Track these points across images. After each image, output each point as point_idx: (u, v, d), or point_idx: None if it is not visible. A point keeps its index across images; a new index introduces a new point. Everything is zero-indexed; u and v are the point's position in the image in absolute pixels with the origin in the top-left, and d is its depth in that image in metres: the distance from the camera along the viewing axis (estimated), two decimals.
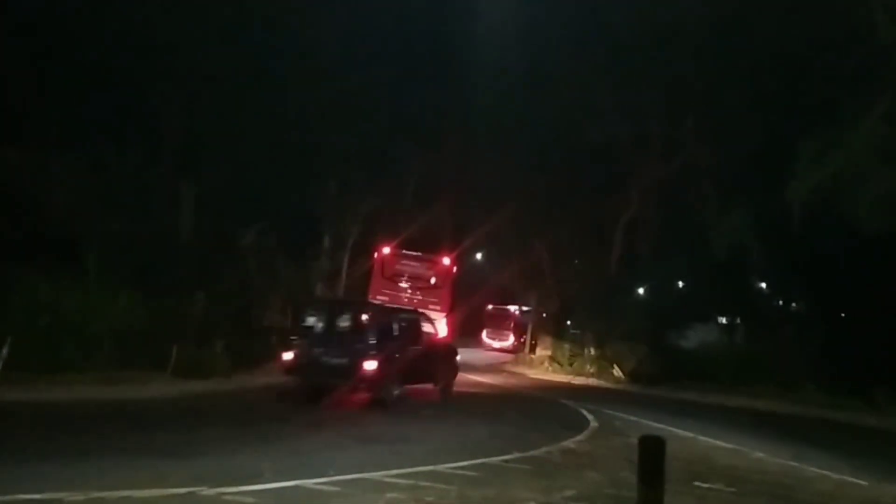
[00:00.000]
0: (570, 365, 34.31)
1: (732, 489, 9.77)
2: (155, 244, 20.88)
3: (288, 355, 16.62)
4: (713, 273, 31.76)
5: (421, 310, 22.17)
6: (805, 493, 10.06)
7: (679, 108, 27.66)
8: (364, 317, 16.98)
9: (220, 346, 19.87)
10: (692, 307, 35.99)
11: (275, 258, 27.70)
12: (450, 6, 28.57)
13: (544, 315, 41.80)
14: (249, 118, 23.39)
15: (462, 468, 9.51)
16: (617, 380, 30.58)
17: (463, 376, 21.99)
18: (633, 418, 17.39)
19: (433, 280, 26.16)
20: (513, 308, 46.95)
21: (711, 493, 9.36)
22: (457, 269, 27.98)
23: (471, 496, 7.98)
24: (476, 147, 32.64)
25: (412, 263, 26.71)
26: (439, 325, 22.79)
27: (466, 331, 41.53)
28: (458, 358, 20.67)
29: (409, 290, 25.60)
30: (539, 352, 38.89)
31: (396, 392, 16.75)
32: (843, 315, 31.98)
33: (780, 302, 40.28)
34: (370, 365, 15.78)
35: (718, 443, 14.43)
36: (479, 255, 47.27)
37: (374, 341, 16.23)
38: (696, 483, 9.74)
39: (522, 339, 42.72)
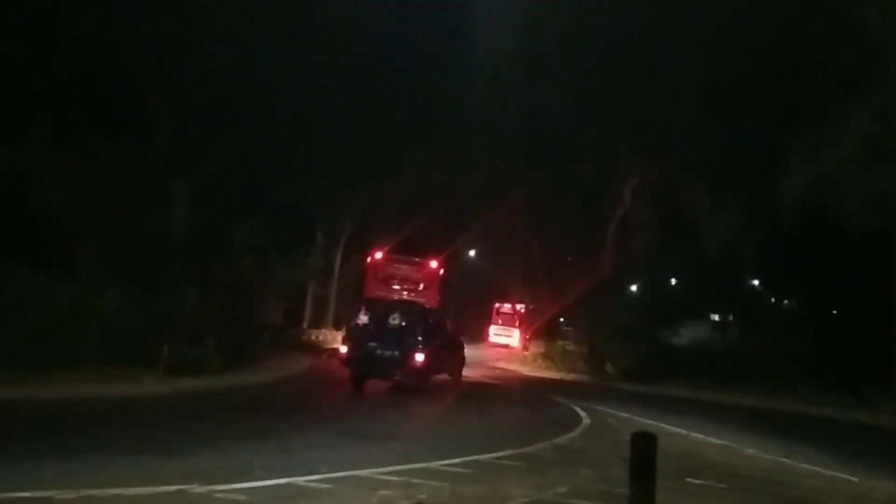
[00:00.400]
0: (563, 362, 34.38)
1: (724, 485, 9.78)
2: (147, 241, 20.83)
3: (343, 348, 19.28)
4: (706, 271, 31.88)
5: None
6: (796, 489, 10.08)
7: (672, 106, 27.66)
8: (411, 316, 19.54)
9: (212, 343, 19.82)
10: (685, 304, 36.14)
11: (267, 255, 27.67)
12: (445, 5, 28.55)
13: (532, 309, 41.89)
14: (242, 115, 23.35)
15: (455, 465, 9.49)
16: (610, 377, 30.63)
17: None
18: (625, 415, 17.41)
19: (422, 283, 27.73)
20: (519, 306, 46.99)
21: (703, 490, 9.37)
22: (443, 272, 29.68)
23: (463, 493, 7.97)
24: (470, 145, 32.65)
25: (402, 267, 28.33)
26: None
27: (467, 328, 41.55)
28: (464, 351, 23.19)
29: (401, 292, 26.83)
30: (532, 349, 38.97)
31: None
32: (834, 312, 32.13)
33: (773, 299, 40.45)
34: (419, 357, 18.54)
35: (710, 439, 14.45)
36: (472, 253, 47.28)
37: (421, 337, 18.87)
38: (689, 479, 9.75)
39: (528, 336, 42.87)
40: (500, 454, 10.60)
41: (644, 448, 4.98)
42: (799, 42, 22.18)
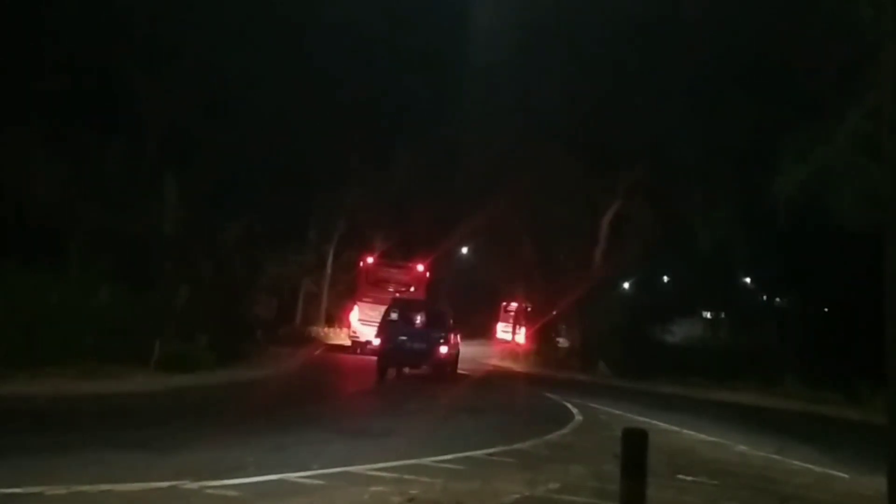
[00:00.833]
0: (556, 359, 34.39)
1: (715, 482, 9.81)
2: (138, 238, 20.74)
3: (375, 342, 23.11)
4: (698, 269, 31.93)
5: None
6: (787, 485, 10.11)
7: (665, 104, 27.67)
8: (435, 314, 23.36)
9: (204, 339, 19.78)
10: (677, 302, 36.17)
11: (259, 252, 27.62)
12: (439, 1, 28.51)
13: (529, 309, 41.88)
14: (234, 111, 23.27)
15: (447, 461, 9.50)
16: (601, 374, 30.67)
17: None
18: (617, 412, 17.46)
19: (410, 285, 30.50)
20: (521, 305, 47.13)
21: (694, 486, 9.40)
22: (430, 274, 32.34)
23: (455, 489, 7.97)
24: (464, 143, 32.61)
25: (392, 270, 31.38)
26: None
27: (468, 327, 41.79)
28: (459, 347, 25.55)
29: (390, 293, 28.80)
30: (525, 346, 38.98)
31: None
32: (826, 310, 32.22)
33: (765, 297, 40.54)
34: (444, 350, 22.02)
35: (702, 436, 14.50)
36: (465, 250, 47.30)
37: (443, 333, 22.13)
38: (680, 476, 9.78)
39: (524, 334, 42.94)
40: (493, 450, 10.62)
41: (635, 444, 4.98)
42: (792, 40, 22.19)
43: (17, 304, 15.58)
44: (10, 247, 16.83)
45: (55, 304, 16.29)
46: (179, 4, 21.19)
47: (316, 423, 12.38)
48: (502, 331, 47.22)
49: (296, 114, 24.71)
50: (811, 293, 30.86)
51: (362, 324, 30.08)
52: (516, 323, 45.88)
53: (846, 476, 11.17)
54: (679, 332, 36.27)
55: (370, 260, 31.91)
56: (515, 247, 37.93)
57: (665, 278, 38.77)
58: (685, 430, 14.98)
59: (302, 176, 27.75)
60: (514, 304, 46.85)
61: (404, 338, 21.83)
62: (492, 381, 25.78)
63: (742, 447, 13.38)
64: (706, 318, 43.23)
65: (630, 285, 38.55)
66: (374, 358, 23.82)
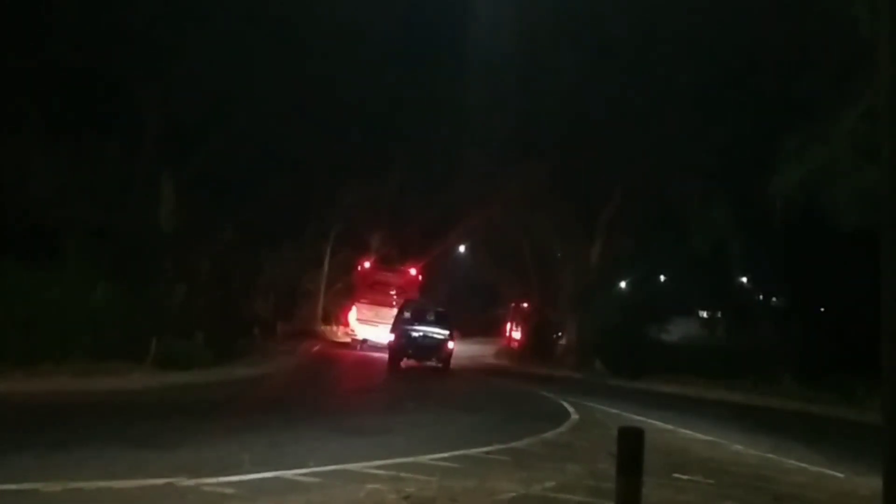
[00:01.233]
0: (552, 357, 34.43)
1: (711, 481, 9.83)
2: (135, 235, 20.72)
3: (390, 338, 25.79)
4: (694, 267, 31.93)
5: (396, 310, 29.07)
6: (783, 484, 10.13)
7: (662, 103, 27.69)
8: (443, 314, 26.83)
9: (201, 337, 19.78)
10: (673, 301, 36.16)
11: (257, 250, 27.62)
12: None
13: (526, 307, 41.92)
14: (232, 109, 23.23)
15: (443, 459, 9.51)
16: (598, 372, 30.72)
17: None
18: (613, 410, 17.48)
19: (403, 288, 32.85)
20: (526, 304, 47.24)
21: (690, 485, 9.42)
22: (422, 278, 35.35)
23: (451, 487, 7.98)
24: (459, 140, 32.59)
25: (387, 274, 33.98)
26: None
27: (467, 326, 42.55)
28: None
29: (385, 295, 32.03)
30: (522, 344, 39.01)
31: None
32: (822, 309, 32.24)
33: (761, 296, 40.52)
34: (451, 345, 25.80)
35: (697, 435, 14.52)
36: (462, 248, 47.34)
37: (449, 331, 25.71)
38: (676, 474, 9.80)
39: (522, 332, 43.03)
40: (489, 449, 10.63)
41: (631, 443, 5.00)
42: (789, 40, 22.21)
43: (14, 301, 15.56)
44: (7, 244, 16.81)
45: (53, 301, 16.26)
46: (178, 3, 21.14)
47: (312, 420, 12.39)
48: (512, 330, 47.30)
49: (293, 113, 24.66)
50: (807, 293, 30.86)
51: (360, 323, 32.55)
52: (513, 321, 46.00)
53: (841, 475, 11.19)
54: (675, 331, 36.27)
55: (367, 265, 34.69)
56: (512, 246, 37.97)
57: (661, 277, 38.76)
58: (681, 429, 15.00)
59: (299, 175, 27.73)
60: (524, 305, 46.99)
61: (417, 334, 25.23)
62: (489, 380, 25.86)
63: (738, 446, 13.40)
64: (702, 318, 43.27)
65: (626, 284, 38.57)
66: (372, 354, 28.52)
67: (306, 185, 29.04)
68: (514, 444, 11.26)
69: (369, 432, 11.51)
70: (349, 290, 37.25)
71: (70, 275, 17.42)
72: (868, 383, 22.63)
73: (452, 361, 26.83)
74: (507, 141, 31.75)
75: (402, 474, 8.40)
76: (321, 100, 24.93)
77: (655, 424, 15.05)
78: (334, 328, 38.55)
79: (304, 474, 8.02)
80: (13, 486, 6.68)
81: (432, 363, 25.42)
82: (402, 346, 25.33)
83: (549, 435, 12.78)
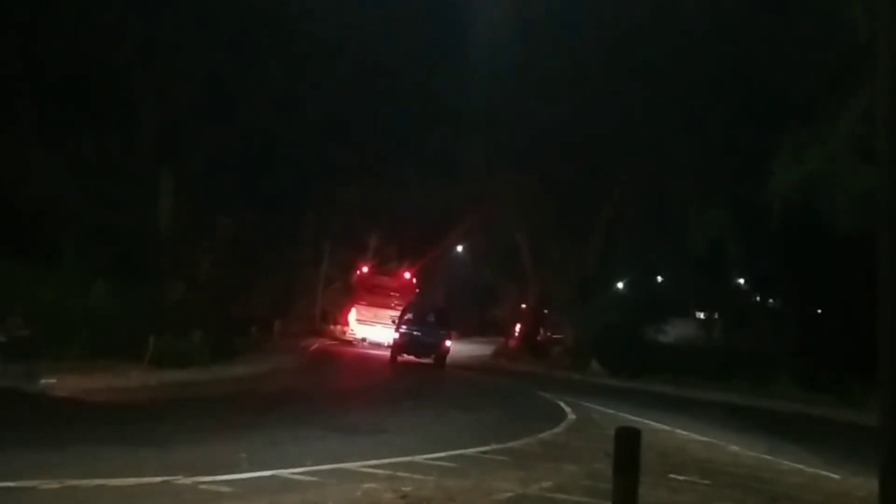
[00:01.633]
0: (549, 357, 34.43)
1: (707, 482, 9.84)
2: (133, 233, 20.69)
3: (394, 335, 27.82)
4: (692, 268, 31.96)
5: (392, 311, 32.53)
6: (779, 486, 10.15)
7: (661, 105, 27.71)
8: (441, 313, 29.54)
9: (199, 335, 19.73)
10: (670, 302, 36.22)
11: (255, 247, 27.61)
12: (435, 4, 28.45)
13: (524, 307, 41.92)
14: (230, 107, 23.22)
15: (440, 459, 9.51)
16: (595, 373, 30.74)
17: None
18: (610, 411, 17.49)
19: (399, 291, 35.11)
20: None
21: (686, 486, 9.43)
22: (417, 281, 37.71)
23: (448, 487, 7.98)
24: (458, 140, 32.60)
25: (384, 278, 36.33)
26: None
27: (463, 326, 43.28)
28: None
29: (382, 298, 34.18)
30: (520, 344, 39.01)
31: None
32: (819, 311, 32.29)
33: (758, 298, 40.60)
34: (448, 343, 27.91)
35: (694, 436, 14.54)
36: (460, 248, 47.34)
37: (445, 330, 27.96)
38: (672, 475, 9.80)
39: (549, 334, 43.14)
40: (486, 448, 10.63)
41: (628, 443, 5.01)
42: (787, 42, 22.25)
43: (11, 298, 15.53)
44: (5, 243, 16.79)
45: (50, 299, 16.23)
46: (173, 2, 21.13)
47: (309, 418, 12.36)
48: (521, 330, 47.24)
49: (291, 113, 24.67)
50: (805, 294, 30.92)
51: (359, 323, 34.72)
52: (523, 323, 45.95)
53: (837, 476, 11.21)
54: (672, 332, 36.35)
55: (365, 269, 37.08)
56: (510, 246, 38.01)
57: (659, 278, 38.82)
58: (677, 430, 15.02)
59: (297, 173, 27.72)
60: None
61: (417, 333, 27.09)
62: (486, 379, 25.85)
63: (734, 447, 13.42)
64: (700, 318, 43.33)
65: (624, 285, 38.62)
66: (369, 351, 30.77)
67: (304, 184, 29.02)
68: (511, 444, 11.26)
69: (366, 431, 11.51)
70: (347, 290, 38.70)
71: (67, 273, 17.40)
72: (865, 384, 22.67)
73: (451, 361, 28.45)
74: (505, 142, 31.73)
75: (399, 473, 8.40)
76: (319, 100, 24.95)
77: (652, 425, 15.06)
78: (332, 327, 38.74)
79: (301, 473, 8.01)
80: (10, 484, 6.66)
81: (429, 360, 27.01)
82: (403, 343, 27.22)
83: (546, 435, 12.79)
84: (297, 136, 25.51)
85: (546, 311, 40.67)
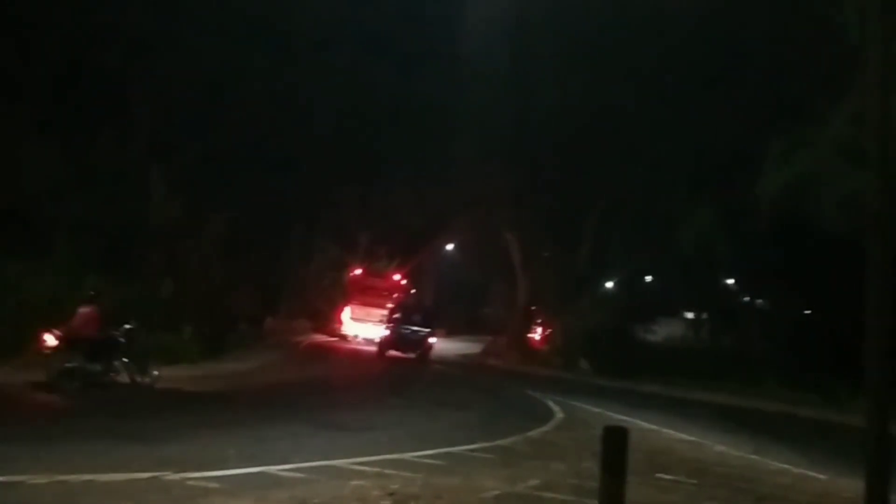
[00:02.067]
0: (538, 356, 34.48)
1: (694, 481, 9.89)
2: (124, 228, 20.62)
3: (384, 333, 29.50)
4: (681, 269, 32.06)
5: (383, 310, 33.42)
6: (765, 485, 10.21)
7: (651, 105, 27.76)
8: (426, 312, 31.73)
9: (189, 331, 19.71)
10: (659, 302, 36.31)
11: (246, 244, 27.55)
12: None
13: (513, 307, 41.91)
14: (223, 104, 23.16)
15: (428, 457, 9.53)
16: (583, 372, 30.80)
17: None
18: (597, 410, 17.54)
19: (390, 292, 36.61)
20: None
21: (673, 485, 9.48)
22: (406, 282, 39.68)
23: (436, 484, 8.00)
24: (449, 139, 32.57)
25: (376, 280, 37.89)
26: None
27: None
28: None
29: (374, 298, 35.43)
30: (510, 343, 39.03)
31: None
32: (806, 312, 32.44)
33: (746, 298, 40.74)
34: (433, 340, 29.86)
35: (681, 435, 14.59)
36: (450, 247, 47.36)
37: (430, 328, 29.76)
38: (659, 474, 9.85)
39: (548, 332, 43.10)
40: (473, 446, 10.67)
41: (615, 443, 5.04)
42: (778, 44, 22.33)
43: (3, 293, 15.47)
44: None
45: (41, 293, 16.15)
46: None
47: (298, 415, 12.37)
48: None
49: (283, 111, 24.64)
50: (792, 295, 31.05)
51: (353, 321, 36.00)
52: (540, 324, 45.92)
53: (823, 477, 11.28)
54: (661, 332, 36.46)
55: (358, 272, 38.47)
56: (499, 246, 38.03)
57: (648, 278, 38.92)
58: (665, 430, 15.08)
59: (288, 171, 27.69)
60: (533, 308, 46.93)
61: (404, 331, 28.77)
62: (475, 377, 25.87)
63: (721, 447, 13.48)
64: (688, 318, 43.46)
65: (613, 284, 38.70)
66: (360, 347, 32.33)
67: (295, 181, 28.97)
68: (499, 442, 11.30)
69: (355, 428, 11.53)
70: (337, 288, 39.50)
71: (58, 268, 17.33)
72: (851, 385, 22.78)
73: (440, 358, 30.12)
74: (495, 143, 31.74)
75: (387, 471, 8.42)
76: (311, 99, 24.92)
77: (639, 424, 15.11)
78: (323, 324, 38.84)
79: (289, 470, 8.03)
80: (1, 479, 6.66)
81: (413, 355, 28.31)
82: (390, 340, 28.87)
83: (533, 433, 12.83)
84: (289, 133, 25.47)
85: (534, 308, 40.69)
